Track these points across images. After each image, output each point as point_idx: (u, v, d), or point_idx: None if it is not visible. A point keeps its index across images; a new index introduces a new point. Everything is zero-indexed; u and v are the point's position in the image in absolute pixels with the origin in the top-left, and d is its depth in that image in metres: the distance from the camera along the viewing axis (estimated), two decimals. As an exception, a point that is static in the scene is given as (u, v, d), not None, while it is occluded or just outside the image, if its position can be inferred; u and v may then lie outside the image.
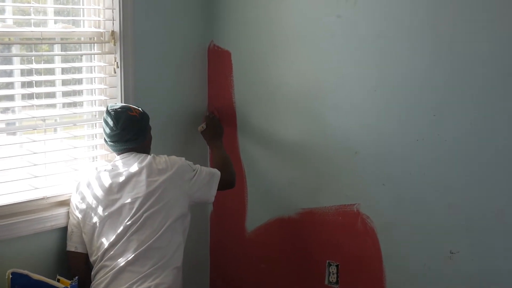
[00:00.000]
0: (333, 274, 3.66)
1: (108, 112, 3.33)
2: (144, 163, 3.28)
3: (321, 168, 3.65)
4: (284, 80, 3.74)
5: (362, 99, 3.47)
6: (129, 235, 3.17)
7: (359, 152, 3.50)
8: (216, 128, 3.87)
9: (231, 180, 3.60)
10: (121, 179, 3.26)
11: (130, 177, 3.26)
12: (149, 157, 3.31)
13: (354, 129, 3.51)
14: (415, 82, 3.29)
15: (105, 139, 3.38)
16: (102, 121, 3.37)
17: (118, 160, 3.35)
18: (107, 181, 3.28)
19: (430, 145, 3.28)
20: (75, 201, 3.31)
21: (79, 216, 3.28)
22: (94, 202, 3.25)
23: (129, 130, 3.31)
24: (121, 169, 3.30)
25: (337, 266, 3.65)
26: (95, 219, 3.23)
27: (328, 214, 3.63)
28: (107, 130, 3.32)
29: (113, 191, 3.25)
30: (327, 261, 3.68)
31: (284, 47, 3.72)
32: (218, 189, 3.47)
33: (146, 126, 3.40)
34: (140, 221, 3.18)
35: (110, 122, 3.31)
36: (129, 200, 3.21)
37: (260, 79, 3.84)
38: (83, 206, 3.28)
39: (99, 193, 3.26)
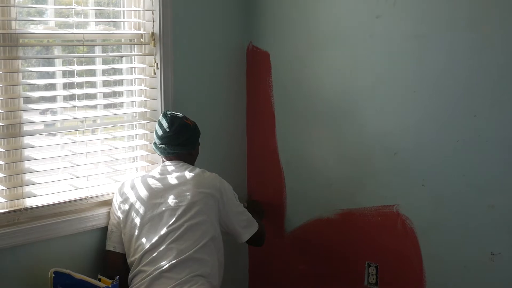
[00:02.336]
0: (372, 275, 3.65)
1: (164, 114, 3.42)
2: (194, 173, 3.32)
3: (360, 168, 3.64)
4: (323, 80, 3.74)
5: (401, 99, 3.45)
6: (168, 243, 3.18)
7: (398, 153, 3.48)
8: (258, 212, 3.85)
9: (260, 239, 3.57)
10: (167, 184, 3.30)
11: (177, 185, 3.29)
12: (198, 169, 3.37)
13: (393, 130, 3.49)
14: (455, 82, 3.26)
15: (155, 142, 3.42)
16: (157, 123, 3.44)
17: (166, 165, 3.39)
18: (152, 185, 3.31)
19: (470, 145, 3.25)
20: (118, 201, 3.35)
21: (120, 216, 3.32)
22: (138, 204, 3.28)
23: (181, 135, 3.37)
24: (169, 174, 3.34)
25: (376, 267, 3.63)
26: (136, 221, 3.26)
27: (367, 215, 3.62)
28: (160, 132, 3.38)
29: (158, 195, 3.28)
30: (366, 262, 3.67)
31: (323, 47, 3.72)
32: (248, 241, 3.49)
33: (197, 137, 3.47)
34: (181, 230, 3.19)
35: (165, 124, 3.37)
36: (171, 207, 3.24)
37: (298, 80, 3.84)
38: (126, 207, 3.31)
39: (144, 195, 3.29)
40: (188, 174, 3.32)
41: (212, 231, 3.25)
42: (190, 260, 3.16)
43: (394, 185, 3.52)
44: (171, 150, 3.38)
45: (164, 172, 3.36)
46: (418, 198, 3.44)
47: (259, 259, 4.17)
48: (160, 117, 3.44)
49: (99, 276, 3.16)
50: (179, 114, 3.45)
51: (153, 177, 3.36)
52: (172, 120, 3.39)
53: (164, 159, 3.44)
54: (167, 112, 3.44)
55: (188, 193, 3.25)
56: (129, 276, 3.23)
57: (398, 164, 3.49)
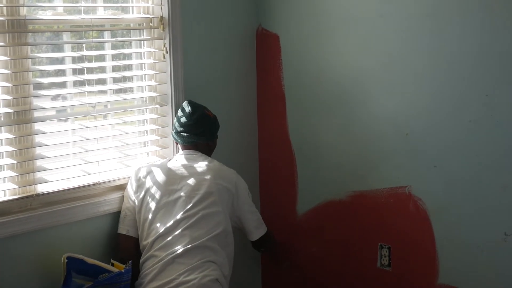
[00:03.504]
0: (385, 256, 3.64)
1: (187, 103, 3.46)
2: (212, 164, 3.36)
3: (372, 150, 3.63)
4: (333, 62, 3.72)
5: (412, 79, 3.43)
6: (182, 229, 3.20)
7: (410, 134, 3.46)
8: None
9: (267, 243, 3.59)
10: (185, 172, 3.32)
11: (194, 173, 3.31)
12: (217, 161, 3.41)
13: (404, 111, 3.48)
14: (467, 62, 3.24)
15: (175, 130, 3.45)
16: (178, 111, 3.48)
17: (184, 154, 3.42)
18: (170, 171, 3.34)
19: (482, 126, 3.23)
20: (133, 185, 3.36)
21: (136, 200, 3.33)
22: (154, 188, 3.30)
23: (201, 125, 3.41)
24: (187, 163, 3.37)
25: (389, 248, 3.63)
26: (151, 205, 3.27)
27: (380, 196, 3.61)
28: (181, 120, 3.42)
29: (175, 182, 3.30)
30: (379, 244, 3.66)
31: (332, 28, 3.70)
32: (255, 242, 3.51)
33: (216, 130, 3.51)
34: (196, 218, 3.21)
35: (186, 113, 3.42)
36: (187, 194, 3.26)
37: (308, 62, 3.83)
38: (141, 191, 3.32)
39: (161, 181, 3.31)
40: (207, 165, 3.35)
41: (224, 223, 3.27)
42: (202, 247, 3.17)
43: (406, 167, 3.51)
44: (190, 139, 3.41)
45: (182, 160, 3.39)
46: (431, 179, 3.42)
47: (271, 242, 4.17)
48: (182, 106, 3.48)
49: (112, 261, 3.18)
50: (201, 104, 3.48)
51: (170, 164, 3.39)
52: (193, 109, 3.43)
53: (182, 148, 3.45)
54: (189, 101, 3.48)
55: (205, 183, 3.27)
56: (141, 261, 3.24)
57: (409, 145, 3.47)
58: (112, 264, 3.15)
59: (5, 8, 3.00)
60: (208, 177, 3.30)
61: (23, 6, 3.06)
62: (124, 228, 3.34)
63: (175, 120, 3.48)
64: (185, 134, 3.42)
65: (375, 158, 3.63)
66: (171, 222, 3.22)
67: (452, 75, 3.29)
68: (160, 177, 3.33)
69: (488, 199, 3.25)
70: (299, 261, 4.02)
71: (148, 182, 3.33)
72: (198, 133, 3.42)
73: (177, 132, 3.44)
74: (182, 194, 3.27)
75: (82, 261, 3.05)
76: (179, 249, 3.16)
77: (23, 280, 3.08)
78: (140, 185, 3.35)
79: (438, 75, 3.34)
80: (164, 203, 3.27)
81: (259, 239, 3.50)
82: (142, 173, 3.37)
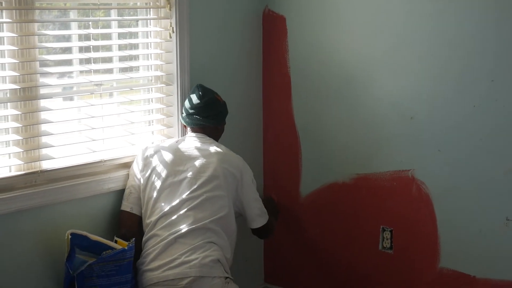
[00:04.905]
0: (387, 239, 3.66)
1: (197, 86, 3.48)
2: (220, 149, 3.38)
3: (376, 133, 3.63)
4: (339, 44, 3.72)
5: (418, 63, 3.43)
6: (186, 210, 3.21)
7: (414, 118, 3.47)
8: (273, 210, 3.83)
9: (266, 233, 3.59)
10: (192, 154, 3.34)
11: (201, 156, 3.33)
12: (224, 146, 3.42)
13: (409, 95, 3.48)
14: (472, 47, 3.24)
15: (185, 113, 3.47)
16: (189, 93, 3.50)
17: (192, 136, 3.44)
18: (177, 152, 3.36)
19: (487, 110, 3.23)
20: (140, 164, 3.38)
21: (141, 179, 3.35)
22: (160, 168, 3.32)
23: (210, 108, 3.43)
24: (194, 145, 3.38)
25: (391, 231, 3.65)
26: (157, 184, 3.29)
27: (383, 179, 3.62)
28: (191, 102, 3.45)
29: (181, 163, 3.32)
30: (381, 227, 3.68)
31: (339, 12, 3.69)
32: (255, 230, 3.51)
33: (225, 114, 3.53)
34: (200, 199, 3.23)
35: (196, 95, 3.44)
36: (193, 176, 3.28)
37: (315, 44, 3.83)
38: (148, 170, 3.34)
39: (168, 160, 3.33)
40: (214, 148, 3.37)
41: (228, 207, 3.29)
42: (205, 229, 3.20)
43: (410, 150, 3.51)
44: (199, 121, 3.43)
45: (189, 142, 3.41)
46: (434, 163, 3.43)
47: (274, 223, 4.19)
48: (193, 89, 3.50)
49: (115, 238, 3.19)
50: (211, 89, 3.50)
51: (178, 145, 3.40)
52: (204, 92, 3.45)
53: (190, 131, 3.47)
54: (200, 85, 3.50)
55: (211, 166, 3.29)
56: (143, 239, 3.26)
57: (414, 129, 3.48)
58: (116, 241, 3.17)
59: (12, -16, 3.01)
60: (214, 160, 3.31)
61: (30, -17, 3.06)
62: (128, 205, 3.36)
63: (186, 101, 3.50)
64: (195, 116, 3.43)
65: (379, 142, 3.63)
66: (175, 202, 3.24)
67: (457, 60, 3.29)
68: (167, 157, 3.35)
69: (491, 184, 3.26)
70: (301, 242, 4.04)
71: (155, 161, 3.35)
72: (207, 115, 3.43)
73: (187, 114, 3.46)
74: (187, 175, 3.28)
75: (85, 237, 3.07)
76: (182, 229, 3.18)
77: (27, 256, 3.10)
78: (146, 164, 3.36)
79: (443, 60, 3.34)
80: (169, 183, 3.29)
81: (260, 228, 3.50)
82: (149, 152, 3.39)
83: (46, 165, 3.19)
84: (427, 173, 3.47)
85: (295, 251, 4.08)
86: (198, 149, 3.36)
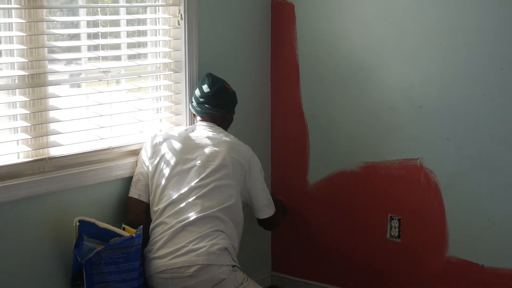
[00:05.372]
0: (395, 228, 3.66)
1: (207, 75, 3.48)
2: (229, 138, 3.38)
3: (384, 121, 3.63)
4: (348, 32, 3.71)
5: (427, 51, 3.42)
6: (194, 198, 3.22)
7: (423, 106, 3.46)
8: (281, 210, 3.80)
9: (272, 225, 3.59)
10: (201, 143, 3.34)
11: (210, 145, 3.33)
12: (233, 136, 3.42)
13: (418, 83, 3.47)
14: (482, 35, 3.22)
15: (195, 102, 3.46)
16: (199, 82, 3.49)
17: (201, 125, 3.43)
18: (186, 140, 3.36)
19: (497, 99, 3.22)
20: (149, 151, 3.38)
21: (150, 166, 3.35)
22: (169, 155, 3.32)
23: (220, 97, 3.43)
24: (203, 134, 3.38)
25: (399, 220, 3.64)
26: (165, 172, 3.30)
27: (391, 168, 3.61)
28: (202, 89, 3.44)
29: (190, 151, 3.32)
30: (389, 215, 3.67)
31: (348, -1, 3.68)
32: (261, 221, 3.51)
33: (234, 104, 3.52)
34: (208, 188, 3.23)
35: (206, 84, 3.43)
36: (201, 164, 3.28)
37: (323, 32, 3.81)
38: (156, 157, 3.34)
39: (177, 148, 3.33)
40: (223, 138, 3.37)
41: (235, 196, 3.29)
42: (213, 217, 3.20)
43: (418, 139, 3.51)
44: (208, 110, 3.42)
45: (199, 131, 3.41)
46: (443, 151, 3.43)
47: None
48: (203, 77, 3.49)
49: (123, 225, 3.19)
50: (221, 78, 3.49)
51: (187, 133, 3.40)
52: (213, 81, 3.44)
53: (199, 119, 3.46)
54: (210, 74, 3.49)
55: (220, 155, 3.29)
56: (151, 226, 3.27)
57: (423, 117, 3.47)
58: (123, 229, 3.17)
59: (20, -30, 3.00)
60: (223, 149, 3.31)
61: (39, -31, 3.05)
62: (136, 192, 3.36)
63: (195, 90, 3.49)
64: (204, 105, 3.43)
65: (387, 130, 3.63)
66: (183, 190, 3.24)
67: (467, 48, 3.28)
68: (176, 145, 3.35)
69: (500, 173, 3.25)
70: (309, 230, 4.03)
71: (164, 149, 3.35)
72: (217, 104, 3.42)
73: (197, 103, 3.45)
74: (196, 163, 3.28)
75: (93, 224, 3.07)
76: (190, 217, 3.18)
77: (35, 243, 3.10)
78: (155, 151, 3.36)
79: (452, 48, 3.33)
80: (178, 171, 3.29)
81: (266, 219, 3.50)
82: (158, 140, 3.39)
83: (54, 152, 3.19)
84: (436, 162, 3.46)
85: (302, 240, 4.07)
86: (207, 138, 3.36)
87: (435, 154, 3.46)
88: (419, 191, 3.53)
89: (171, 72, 3.62)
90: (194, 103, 3.47)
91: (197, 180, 3.25)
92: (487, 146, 3.28)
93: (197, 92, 3.46)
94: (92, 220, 3.08)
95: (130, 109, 3.50)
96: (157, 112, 3.65)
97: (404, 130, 3.56)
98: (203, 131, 3.40)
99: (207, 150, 3.31)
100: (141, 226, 3.13)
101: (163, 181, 3.28)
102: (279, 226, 3.68)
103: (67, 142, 3.23)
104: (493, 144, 3.27)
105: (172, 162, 3.30)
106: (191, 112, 3.56)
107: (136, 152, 3.46)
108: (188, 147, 3.34)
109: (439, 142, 3.43)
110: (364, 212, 3.78)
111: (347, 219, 3.86)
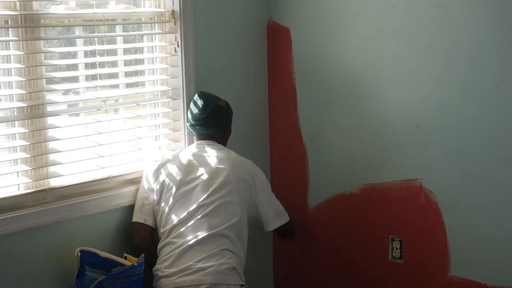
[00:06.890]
0: (396, 249, 3.65)
1: (199, 95, 3.47)
2: (230, 155, 3.39)
3: (383, 143, 3.63)
4: (344, 54, 3.72)
5: (423, 71, 3.43)
6: (200, 217, 3.23)
7: (421, 126, 3.46)
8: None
9: (288, 233, 3.65)
10: (202, 161, 3.35)
11: (212, 163, 3.34)
12: (233, 152, 3.44)
13: (415, 103, 3.47)
14: (478, 54, 3.23)
15: (189, 123, 3.48)
16: (191, 103, 3.49)
17: (201, 144, 3.45)
18: (187, 160, 3.37)
19: (494, 118, 3.22)
20: (152, 175, 3.39)
21: (154, 190, 3.36)
22: (172, 178, 3.33)
23: (215, 117, 3.43)
24: (204, 152, 3.39)
25: (400, 241, 3.63)
26: (171, 195, 3.31)
27: (391, 189, 3.61)
28: (195, 112, 3.45)
29: (192, 171, 3.33)
30: (390, 236, 3.67)
31: (343, 21, 3.70)
32: (277, 230, 3.53)
33: (230, 118, 3.52)
34: (213, 206, 3.24)
35: (199, 105, 3.43)
36: (204, 182, 3.29)
37: (319, 55, 3.83)
38: (160, 181, 3.35)
39: (179, 171, 3.34)
40: (224, 155, 3.38)
41: (240, 213, 3.30)
42: (220, 235, 3.21)
43: (417, 159, 3.51)
44: (205, 131, 3.44)
45: (198, 150, 3.42)
46: (442, 171, 3.43)
47: (283, 234, 4.18)
48: (195, 98, 3.49)
49: (125, 254, 3.19)
50: (213, 95, 3.49)
51: (187, 153, 3.41)
52: (206, 102, 3.44)
53: (198, 139, 3.48)
54: (200, 93, 3.49)
55: (222, 172, 3.31)
56: (159, 246, 3.28)
57: (421, 137, 3.47)
58: (125, 257, 3.17)
59: (18, 2, 3.02)
60: (225, 166, 3.32)
61: (35, 0, 3.07)
62: (141, 217, 3.35)
63: (188, 112, 3.50)
64: (199, 127, 3.43)
65: (386, 151, 3.63)
66: (189, 210, 3.25)
67: (463, 67, 3.29)
68: (178, 167, 3.36)
69: (500, 191, 3.25)
70: (310, 253, 4.03)
71: (166, 173, 3.36)
72: (213, 125, 3.44)
73: (192, 125, 3.46)
74: (199, 182, 3.29)
75: (95, 254, 3.07)
76: (197, 236, 3.19)
77: (36, 274, 3.09)
78: (159, 174, 3.37)
79: (448, 67, 3.34)
80: (182, 191, 3.30)
81: (279, 229, 3.51)
82: (159, 165, 3.40)
83: (54, 182, 3.20)
84: (435, 182, 3.46)
85: (304, 260, 4.06)
86: (207, 156, 3.37)
87: (434, 174, 3.46)
88: (419, 211, 3.53)
89: (169, 99, 3.63)
90: (189, 125, 3.48)
91: (202, 198, 3.26)
92: (486, 164, 3.28)
93: (192, 115, 3.46)
94: (94, 249, 3.08)
95: (129, 138, 3.50)
96: (156, 140, 3.65)
97: (403, 151, 3.56)
98: (203, 150, 3.41)
99: (209, 168, 3.32)
100: (143, 255, 3.12)
101: (169, 204, 3.30)
102: (292, 232, 3.69)
103: (67, 172, 3.24)
104: (491, 162, 3.27)
105: (176, 184, 3.32)
106: (190, 134, 3.57)
107: (135, 181, 3.46)
108: (190, 167, 3.35)
109: (437, 162, 3.43)
110: (365, 234, 3.77)
111: (348, 241, 3.85)
